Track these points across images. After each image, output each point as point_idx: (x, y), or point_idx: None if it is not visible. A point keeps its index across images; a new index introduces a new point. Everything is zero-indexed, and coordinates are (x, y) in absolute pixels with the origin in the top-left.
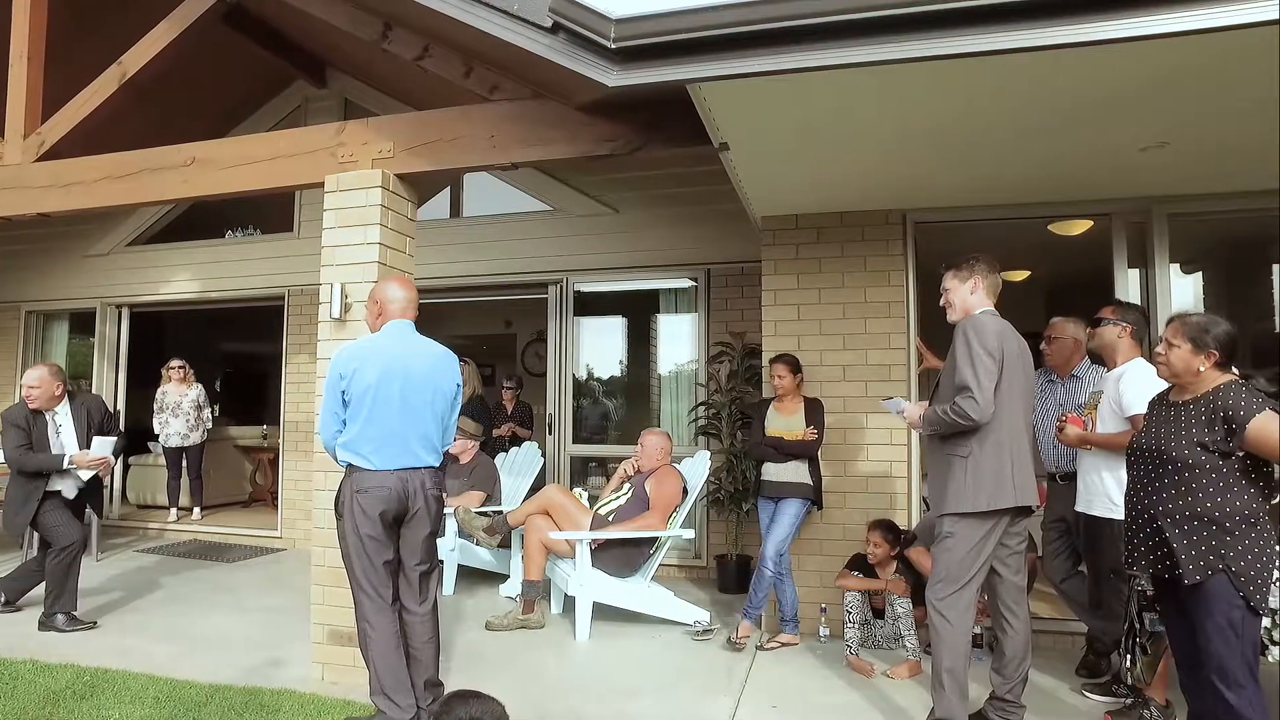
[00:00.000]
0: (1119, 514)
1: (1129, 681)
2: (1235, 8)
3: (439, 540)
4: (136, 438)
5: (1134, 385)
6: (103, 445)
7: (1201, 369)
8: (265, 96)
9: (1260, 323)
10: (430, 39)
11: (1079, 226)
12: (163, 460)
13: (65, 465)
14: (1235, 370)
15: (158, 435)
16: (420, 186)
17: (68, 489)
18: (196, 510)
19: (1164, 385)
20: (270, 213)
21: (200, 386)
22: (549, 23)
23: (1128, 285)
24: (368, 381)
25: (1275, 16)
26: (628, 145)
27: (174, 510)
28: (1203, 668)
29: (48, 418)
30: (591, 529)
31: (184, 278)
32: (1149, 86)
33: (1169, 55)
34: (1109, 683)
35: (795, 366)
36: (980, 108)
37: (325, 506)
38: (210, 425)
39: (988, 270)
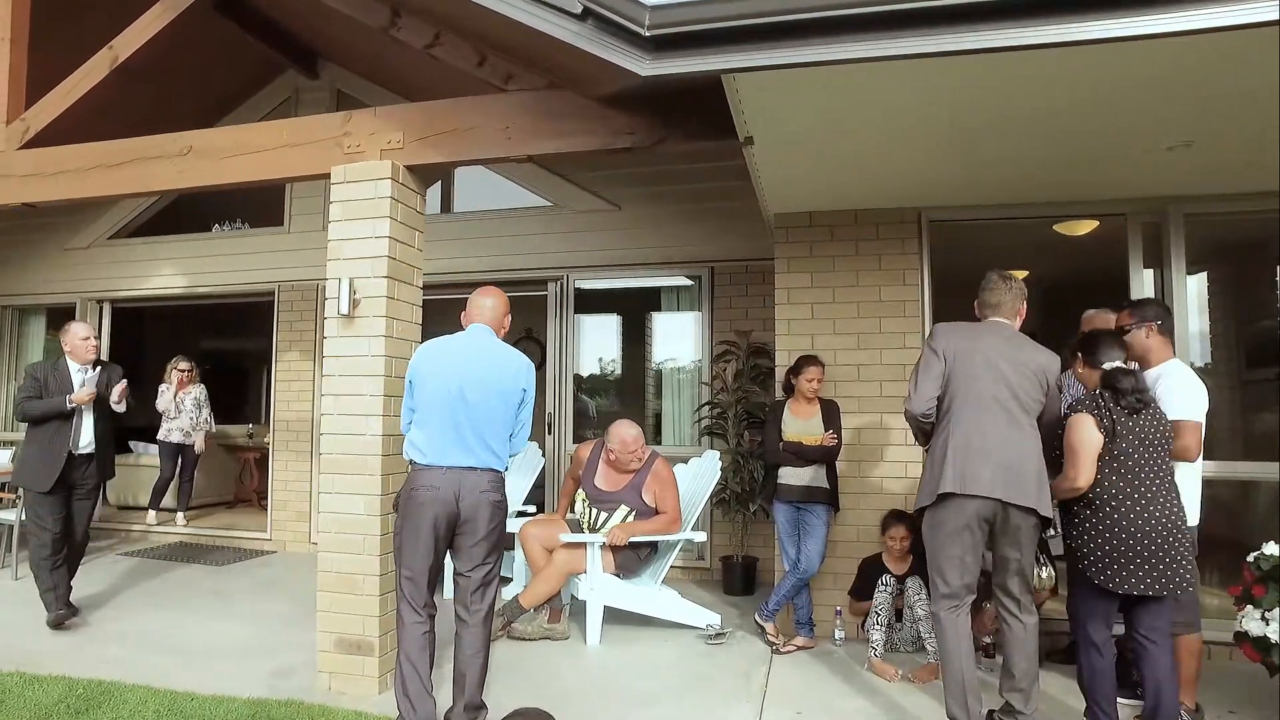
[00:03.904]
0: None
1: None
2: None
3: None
4: (118, 436)
5: (1174, 391)
6: (90, 380)
7: (1082, 369)
8: (255, 86)
9: (1263, 322)
10: (442, 26)
11: (1084, 227)
12: (144, 460)
13: (68, 406)
14: (1106, 365)
15: (158, 433)
16: (424, 179)
17: (84, 436)
18: (180, 514)
19: (1202, 387)
20: (259, 207)
21: (203, 386)
22: (578, 8)
23: (1143, 285)
24: (428, 377)
25: (1276, 17)
26: (648, 138)
27: (153, 513)
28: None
29: (75, 376)
30: (604, 553)
31: (168, 272)
32: (1174, 84)
33: (1194, 52)
34: (1132, 686)
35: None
36: (1015, 104)
37: (330, 510)
38: (213, 428)
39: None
